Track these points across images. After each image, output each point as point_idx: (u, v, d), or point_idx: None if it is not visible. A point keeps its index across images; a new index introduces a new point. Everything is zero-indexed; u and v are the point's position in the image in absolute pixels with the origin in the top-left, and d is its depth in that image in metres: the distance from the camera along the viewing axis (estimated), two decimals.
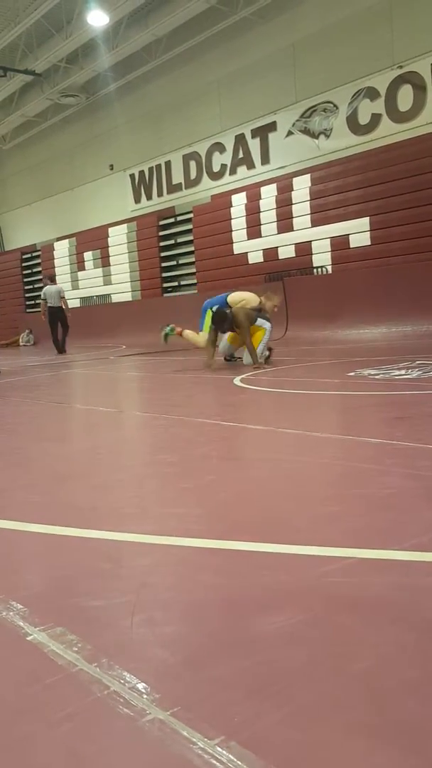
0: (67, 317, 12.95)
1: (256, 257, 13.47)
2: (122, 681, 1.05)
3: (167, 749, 0.88)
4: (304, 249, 12.57)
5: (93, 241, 17.90)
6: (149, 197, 16.46)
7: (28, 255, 21.02)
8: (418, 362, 5.73)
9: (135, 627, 1.24)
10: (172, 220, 15.69)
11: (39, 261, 20.45)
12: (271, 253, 13.15)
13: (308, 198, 12.43)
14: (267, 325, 6.71)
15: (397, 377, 4.86)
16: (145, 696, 1.00)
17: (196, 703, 0.98)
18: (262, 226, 13.28)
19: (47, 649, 1.18)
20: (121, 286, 17.20)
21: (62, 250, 19.21)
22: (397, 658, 1.07)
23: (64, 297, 13.03)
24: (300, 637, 1.16)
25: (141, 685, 1.03)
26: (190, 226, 15.03)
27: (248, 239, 13.59)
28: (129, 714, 0.96)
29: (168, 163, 15.76)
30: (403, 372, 5.14)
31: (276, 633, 1.18)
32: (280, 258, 12.99)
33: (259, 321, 6.71)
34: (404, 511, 1.84)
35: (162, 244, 15.97)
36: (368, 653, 1.09)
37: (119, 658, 1.12)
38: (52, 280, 13.41)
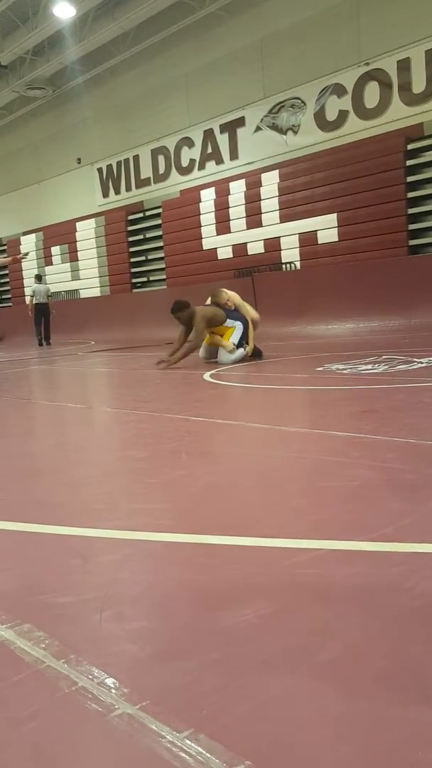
0: (51, 313, 14.17)
1: (225, 253, 13.47)
2: (90, 676, 1.04)
3: (136, 743, 0.87)
4: (272, 245, 12.61)
5: (60, 235, 17.72)
6: (117, 191, 16.34)
7: None
8: (384, 357, 5.79)
9: (104, 622, 1.24)
10: (140, 214, 15.61)
11: (5, 256, 20.15)
12: (240, 249, 13.17)
13: (276, 194, 12.48)
14: (237, 323, 6.73)
15: (364, 372, 4.91)
16: (113, 691, 1.00)
17: (165, 696, 0.98)
18: (231, 222, 13.29)
19: (14, 646, 1.16)
20: (90, 282, 17.06)
21: (29, 245, 18.97)
22: (364, 648, 1.09)
23: (51, 295, 14.42)
24: (268, 629, 1.17)
25: (110, 680, 1.03)
26: (159, 221, 14.96)
27: (217, 235, 13.58)
28: (97, 709, 0.95)
29: (136, 158, 15.66)
30: (369, 367, 5.19)
31: (245, 625, 1.18)
32: (249, 254, 13.02)
33: (229, 322, 6.74)
34: (371, 502, 1.86)
35: (131, 239, 15.88)
36: (336, 644, 1.10)
37: (88, 654, 1.11)
38: (40, 279, 14.84)
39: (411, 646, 1.08)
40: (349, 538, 1.58)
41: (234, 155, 13.56)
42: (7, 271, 20.26)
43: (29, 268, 18.58)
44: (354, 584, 1.33)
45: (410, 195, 10.71)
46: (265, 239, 12.74)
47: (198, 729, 0.89)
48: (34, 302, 14.04)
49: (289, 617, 1.21)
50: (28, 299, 14.60)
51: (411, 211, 10.73)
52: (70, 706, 0.97)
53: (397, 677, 1.00)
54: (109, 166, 16.45)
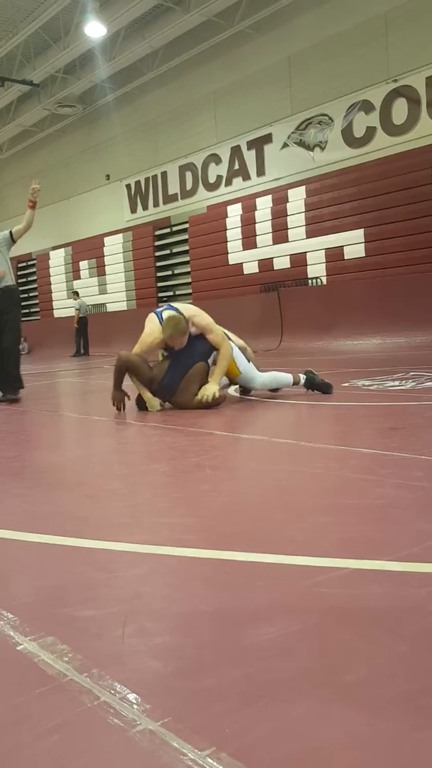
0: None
1: (251, 268, 13.51)
2: (113, 691, 1.04)
3: (157, 760, 0.87)
4: (299, 260, 12.62)
5: (89, 250, 17.94)
6: (145, 207, 16.52)
7: (24, 264, 21.05)
8: (412, 373, 5.74)
9: (126, 637, 1.23)
10: (167, 230, 15.74)
11: (35, 270, 20.47)
12: (266, 264, 13.20)
13: (303, 209, 12.50)
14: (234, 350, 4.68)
15: (391, 388, 4.87)
16: (135, 706, 0.99)
17: (187, 714, 0.97)
18: (257, 237, 13.34)
19: (37, 659, 1.16)
20: (117, 296, 17.23)
21: (58, 259, 19.24)
22: (390, 669, 1.07)
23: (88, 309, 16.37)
24: (292, 648, 1.15)
25: (132, 696, 1.02)
26: (185, 237, 15.08)
27: (243, 250, 13.64)
28: (119, 725, 0.95)
29: (164, 174, 15.82)
30: (397, 383, 5.15)
31: (268, 644, 1.17)
32: (275, 269, 13.04)
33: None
34: (397, 521, 1.83)
35: (157, 254, 16.02)
36: (361, 664, 1.08)
37: (110, 669, 1.11)
38: (78, 295, 16.30)
39: None
40: (375, 557, 1.55)
41: (261, 171, 13.63)
42: (35, 285, 20.55)
43: (58, 282, 18.84)
44: (379, 604, 1.31)
45: None
46: (291, 254, 12.75)
47: (220, 747, 0.88)
48: (79, 315, 15.49)
49: (313, 636, 1.20)
50: (75, 311, 15.91)
51: None
52: (92, 721, 0.97)
53: (422, 700, 0.98)
54: (138, 183, 16.64)
